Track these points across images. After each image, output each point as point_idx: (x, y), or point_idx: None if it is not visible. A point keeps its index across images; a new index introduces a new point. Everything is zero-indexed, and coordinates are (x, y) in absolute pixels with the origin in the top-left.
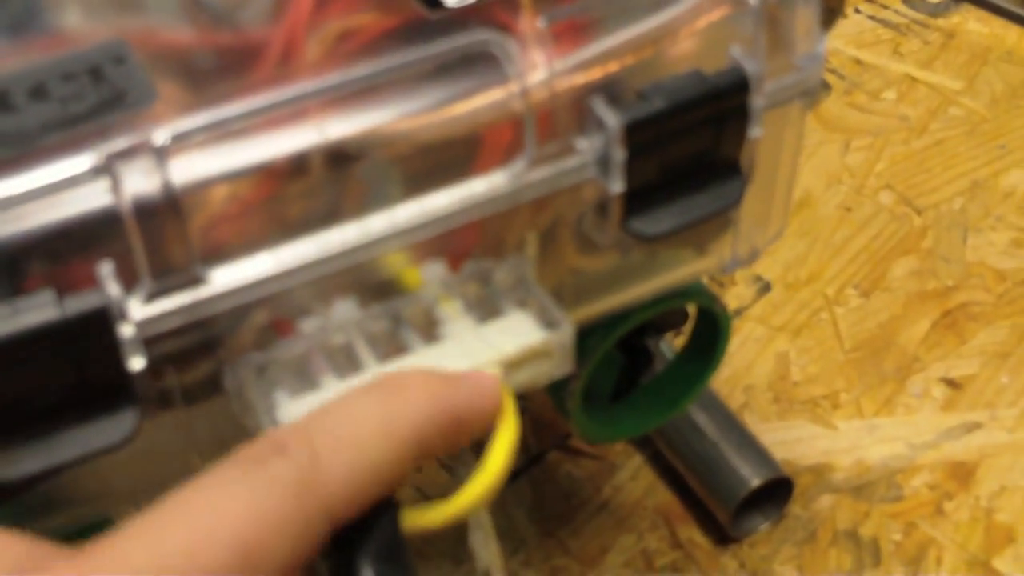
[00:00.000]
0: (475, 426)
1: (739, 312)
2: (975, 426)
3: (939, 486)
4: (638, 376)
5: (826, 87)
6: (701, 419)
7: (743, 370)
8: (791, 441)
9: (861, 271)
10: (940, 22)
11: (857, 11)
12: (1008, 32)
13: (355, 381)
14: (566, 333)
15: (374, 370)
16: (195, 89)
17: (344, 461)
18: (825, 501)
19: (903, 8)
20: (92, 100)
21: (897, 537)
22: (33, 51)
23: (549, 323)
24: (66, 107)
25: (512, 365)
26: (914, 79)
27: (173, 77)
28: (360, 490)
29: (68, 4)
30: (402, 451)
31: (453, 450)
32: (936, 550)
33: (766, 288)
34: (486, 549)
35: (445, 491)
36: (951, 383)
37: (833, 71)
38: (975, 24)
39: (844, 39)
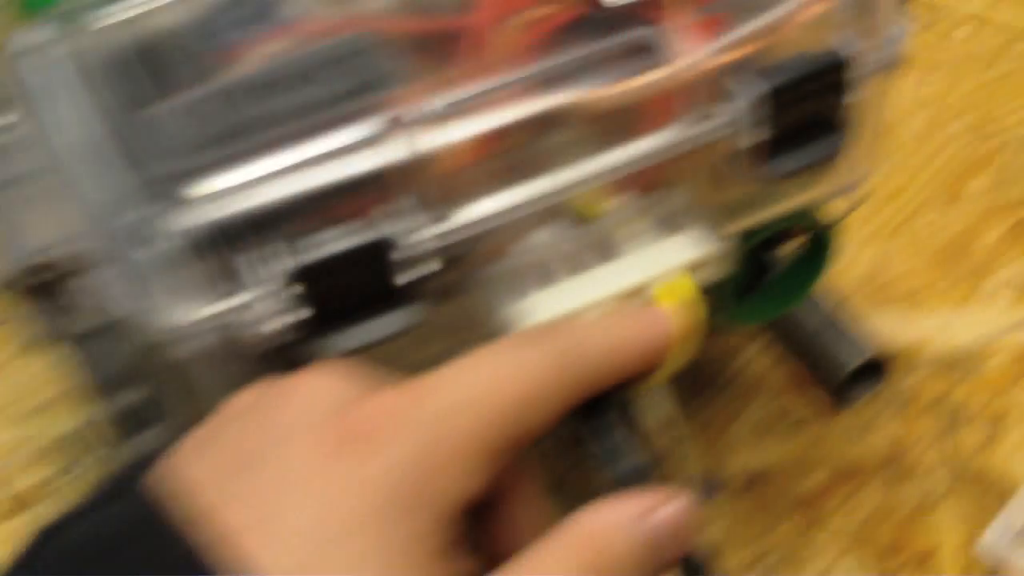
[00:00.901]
0: (664, 348)
1: (838, 220)
2: None
3: (1016, 364)
4: (758, 281)
5: None
6: (808, 309)
7: (844, 268)
8: (886, 328)
9: (941, 187)
10: None
11: None
12: None
13: (579, 280)
14: (726, 245)
15: (591, 272)
16: (424, 71)
17: (598, 347)
18: (918, 375)
19: None
20: (351, 82)
21: (980, 404)
22: (280, 38)
23: (711, 238)
24: (332, 88)
25: (691, 268)
26: (982, 19)
27: (404, 59)
28: (603, 375)
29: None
30: (628, 358)
31: (653, 369)
32: (1014, 414)
33: (861, 200)
34: (665, 402)
35: None
36: (1019, 284)
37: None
38: None
39: None
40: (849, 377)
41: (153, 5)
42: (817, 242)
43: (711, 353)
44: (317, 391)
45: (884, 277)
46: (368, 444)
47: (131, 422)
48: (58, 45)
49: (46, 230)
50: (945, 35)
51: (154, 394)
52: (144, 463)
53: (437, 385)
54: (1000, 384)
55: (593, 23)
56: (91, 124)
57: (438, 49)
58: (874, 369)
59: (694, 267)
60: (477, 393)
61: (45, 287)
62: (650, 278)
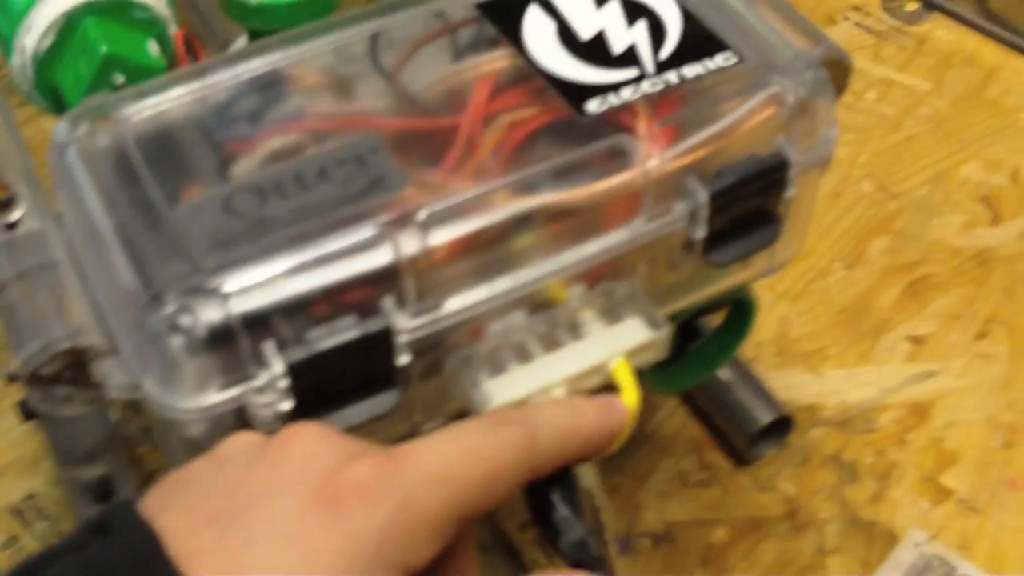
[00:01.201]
0: (615, 436)
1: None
2: (931, 374)
3: (902, 421)
4: (687, 346)
5: None
6: (723, 371)
7: (754, 329)
8: (790, 386)
9: (846, 248)
10: (914, 29)
11: (846, 18)
12: (969, 39)
13: (531, 366)
14: (665, 331)
15: (542, 358)
16: (416, 168)
17: (551, 438)
18: (816, 432)
19: (884, 16)
20: (362, 182)
21: (870, 460)
22: (288, 132)
23: (654, 324)
24: (345, 187)
25: (630, 354)
26: (891, 80)
27: (399, 156)
28: (557, 458)
29: (301, 94)
30: (580, 444)
31: (601, 453)
32: (899, 470)
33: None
34: (588, 474)
35: None
36: (914, 339)
37: None
38: (943, 31)
39: None
40: (756, 435)
41: (178, 100)
42: (740, 310)
43: None
44: (306, 453)
45: (789, 337)
46: (348, 507)
47: (90, 496)
48: (97, 137)
49: (71, 316)
50: (859, 96)
51: (113, 470)
52: (127, 504)
53: (410, 459)
54: (888, 441)
55: (573, 127)
56: (123, 215)
57: (431, 144)
58: (780, 426)
59: (643, 349)
60: (446, 471)
61: (59, 373)
62: (607, 359)
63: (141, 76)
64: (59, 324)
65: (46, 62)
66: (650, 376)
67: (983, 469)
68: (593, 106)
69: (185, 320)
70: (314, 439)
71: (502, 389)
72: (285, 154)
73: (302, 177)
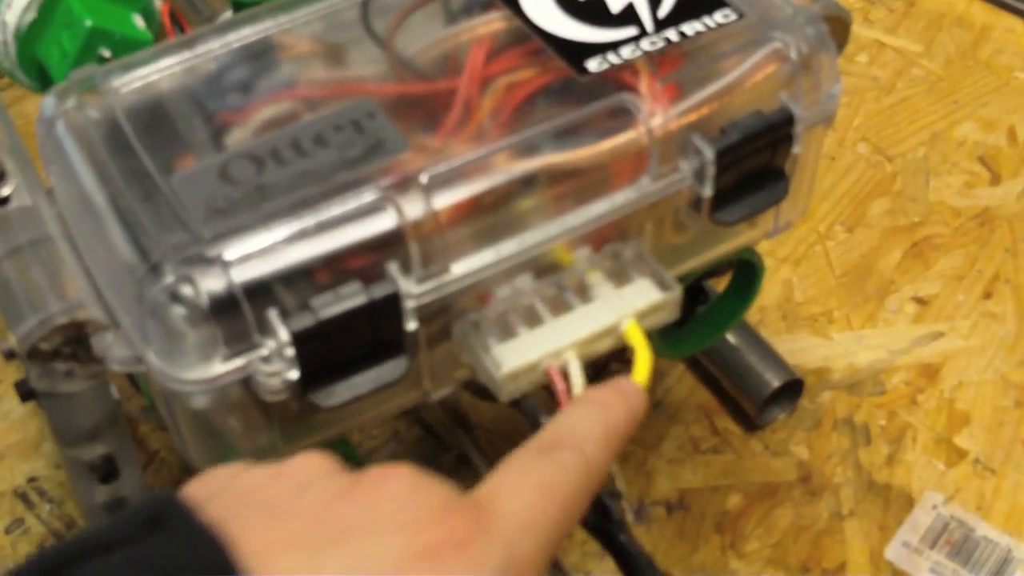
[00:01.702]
0: (641, 418)
1: None
2: (939, 335)
3: (913, 382)
4: (695, 309)
5: None
6: (732, 336)
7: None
8: (797, 350)
9: (846, 211)
10: None
11: None
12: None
13: (541, 330)
14: (676, 292)
15: (552, 322)
16: (415, 133)
17: (599, 450)
18: (826, 396)
19: None
20: (361, 147)
21: (882, 422)
22: (282, 101)
23: (663, 285)
24: (343, 152)
25: (641, 316)
26: (882, 43)
27: (397, 121)
28: (607, 466)
29: (294, 62)
30: (620, 440)
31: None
32: (912, 432)
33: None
34: None
35: None
36: (919, 300)
37: None
38: None
39: None
40: (767, 399)
41: (168, 70)
42: (746, 273)
43: None
44: (402, 496)
45: (794, 301)
46: (452, 561)
47: (93, 475)
48: (85, 109)
49: (68, 291)
50: (850, 59)
51: (115, 449)
52: (178, 501)
53: (498, 510)
54: (900, 402)
55: (573, 88)
56: (117, 187)
57: (429, 109)
58: (791, 390)
59: (653, 310)
60: (533, 518)
61: (58, 348)
62: (617, 321)
63: (127, 50)
64: (56, 299)
65: (29, 37)
66: (657, 341)
67: (997, 429)
68: (593, 65)
69: (186, 290)
70: (409, 482)
71: (513, 354)
72: (279, 122)
73: (299, 143)
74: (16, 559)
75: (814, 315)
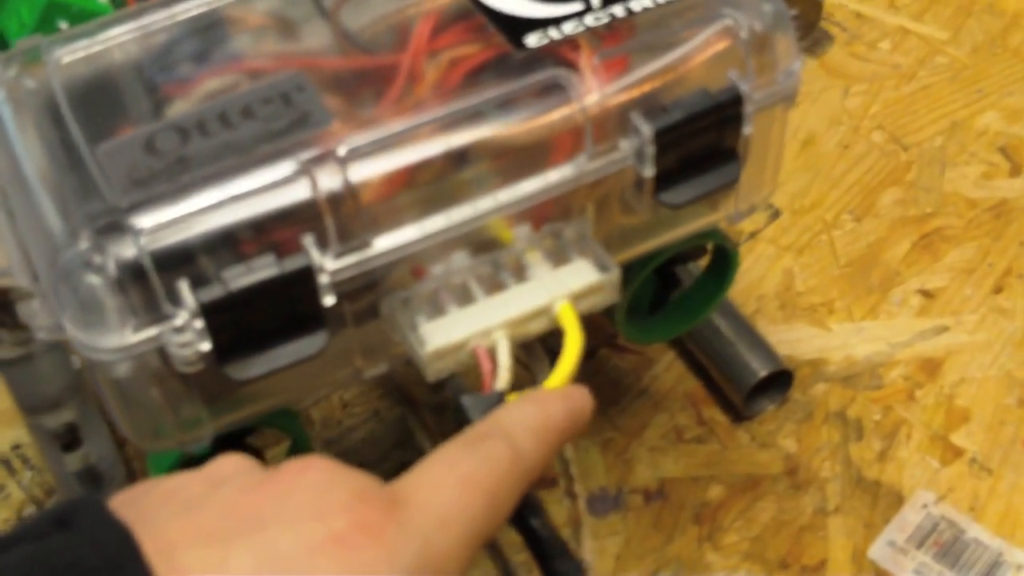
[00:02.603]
0: (587, 418)
1: (753, 235)
2: (943, 329)
3: (911, 377)
4: (668, 294)
5: (829, 38)
6: (721, 323)
7: (756, 282)
8: (793, 340)
9: (855, 200)
10: None
11: None
12: None
13: (472, 309)
14: (615, 274)
15: (484, 301)
16: (351, 107)
17: (531, 441)
18: (820, 388)
19: None
20: (286, 120)
21: (877, 417)
22: (226, 74)
23: (603, 267)
24: (268, 124)
25: (577, 297)
26: (907, 30)
27: (332, 95)
28: (542, 457)
29: (243, 36)
30: (558, 435)
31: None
32: (907, 428)
33: (776, 214)
34: None
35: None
36: (925, 293)
37: (837, 23)
38: None
39: None
40: (757, 387)
41: (113, 41)
42: (721, 259)
43: (630, 363)
44: (316, 486)
45: (794, 290)
46: (364, 551)
47: (57, 443)
48: (23, 79)
49: None
50: (872, 46)
51: (78, 417)
52: (94, 500)
53: (416, 502)
54: (896, 397)
55: (511, 63)
56: (47, 156)
57: (373, 83)
58: (781, 381)
59: (590, 292)
60: (452, 510)
61: None
62: (551, 302)
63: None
64: None
65: None
66: (628, 326)
67: (997, 428)
68: (532, 40)
69: (97, 258)
70: (325, 473)
71: (439, 332)
72: (221, 95)
73: (226, 116)
74: None
75: (814, 305)
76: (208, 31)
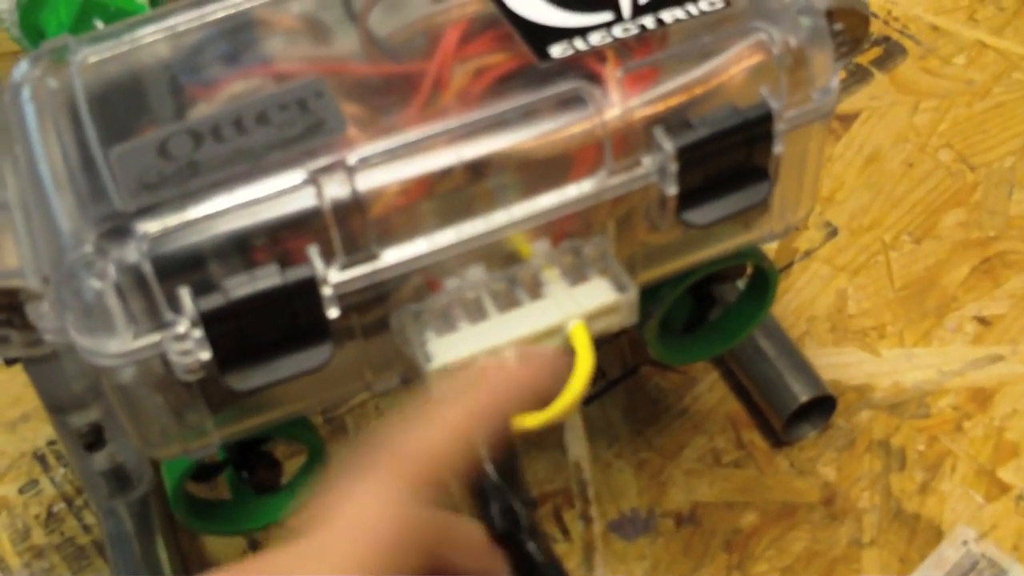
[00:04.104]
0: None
1: (808, 253)
2: (998, 358)
3: (961, 407)
4: (705, 314)
5: (903, 51)
6: (765, 344)
7: (807, 303)
8: (841, 364)
9: (916, 220)
10: None
11: None
12: None
13: (483, 325)
14: (631, 294)
15: (496, 318)
16: (373, 115)
17: (499, 392)
18: (864, 415)
19: None
20: (300, 127)
21: (921, 447)
22: (251, 77)
23: (620, 287)
24: (282, 131)
25: (591, 317)
26: (984, 44)
27: (356, 101)
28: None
29: (272, 39)
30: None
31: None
32: (952, 460)
33: (833, 233)
34: (576, 444)
35: None
36: (982, 320)
37: (911, 37)
38: None
39: (924, 5)
40: (798, 412)
41: (141, 42)
42: (760, 279)
43: (672, 382)
44: None
45: (845, 313)
46: None
47: (83, 442)
48: (50, 79)
49: (8, 258)
50: (946, 60)
51: (103, 416)
52: None
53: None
54: (943, 428)
55: (534, 73)
56: (63, 157)
57: (398, 90)
58: (824, 406)
59: (606, 312)
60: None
61: None
62: (564, 321)
63: None
64: None
65: (31, 6)
66: (659, 346)
67: None
68: (557, 51)
69: (100, 262)
70: None
71: (447, 348)
72: (242, 100)
73: (241, 121)
74: (25, 519)
75: (865, 329)
76: (237, 33)
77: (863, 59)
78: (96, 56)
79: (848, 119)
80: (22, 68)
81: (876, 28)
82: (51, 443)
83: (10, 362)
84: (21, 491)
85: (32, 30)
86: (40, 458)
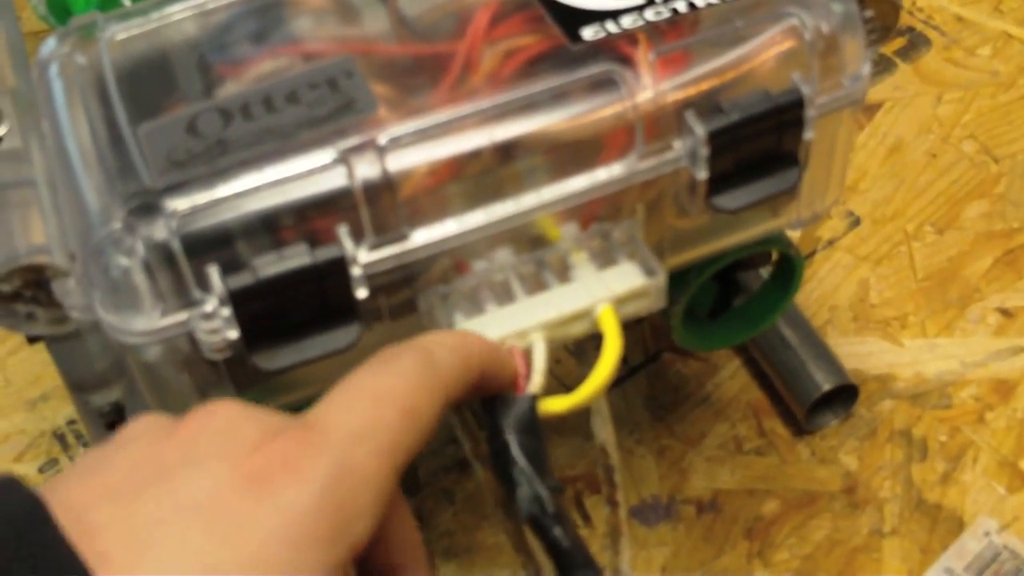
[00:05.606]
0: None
1: (831, 242)
2: (1020, 350)
3: (983, 398)
4: (730, 301)
5: (927, 42)
6: (788, 332)
7: (830, 292)
8: (863, 354)
9: (939, 211)
10: None
11: None
12: None
13: (511, 308)
14: (661, 279)
15: (524, 301)
16: (403, 95)
17: (447, 355)
18: (886, 405)
19: None
20: (330, 106)
21: (943, 438)
22: (281, 56)
23: (649, 271)
24: (312, 110)
25: (620, 301)
26: (1010, 36)
27: (385, 82)
28: (461, 374)
29: (301, 17)
30: (480, 360)
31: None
32: (974, 451)
33: (856, 222)
34: (603, 429)
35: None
36: (1005, 312)
37: (935, 27)
38: None
39: None
40: (820, 400)
41: (170, 19)
42: (785, 266)
43: (694, 369)
44: (225, 428)
45: (868, 302)
46: (276, 482)
47: (104, 422)
48: (78, 56)
49: (34, 235)
50: (971, 51)
51: (125, 396)
52: (10, 478)
53: (329, 423)
54: (966, 418)
55: (565, 56)
56: (91, 134)
57: (428, 71)
58: (846, 395)
59: (634, 296)
60: (366, 423)
61: (19, 291)
62: (593, 304)
63: None
64: (23, 241)
65: None
66: (684, 332)
67: None
68: (588, 33)
69: (128, 239)
70: (233, 413)
71: (476, 331)
72: (274, 78)
73: (270, 99)
74: None
75: (887, 319)
76: (267, 12)
77: (887, 49)
78: (124, 33)
79: (872, 109)
80: (50, 45)
81: (900, 18)
82: (71, 422)
83: (33, 340)
84: (41, 470)
85: (59, 9)
86: (60, 437)
